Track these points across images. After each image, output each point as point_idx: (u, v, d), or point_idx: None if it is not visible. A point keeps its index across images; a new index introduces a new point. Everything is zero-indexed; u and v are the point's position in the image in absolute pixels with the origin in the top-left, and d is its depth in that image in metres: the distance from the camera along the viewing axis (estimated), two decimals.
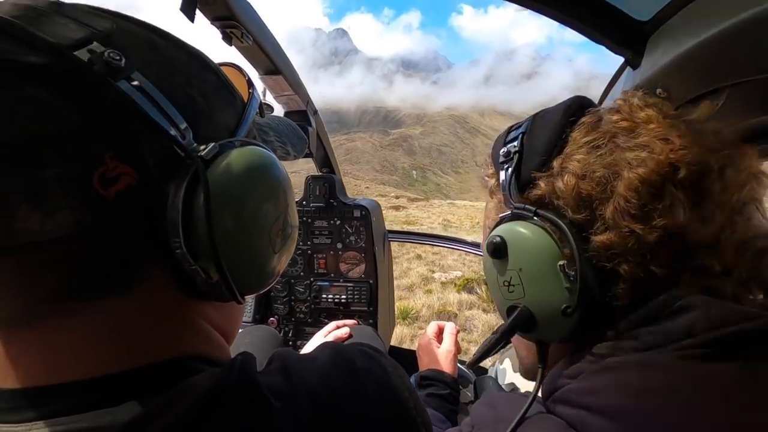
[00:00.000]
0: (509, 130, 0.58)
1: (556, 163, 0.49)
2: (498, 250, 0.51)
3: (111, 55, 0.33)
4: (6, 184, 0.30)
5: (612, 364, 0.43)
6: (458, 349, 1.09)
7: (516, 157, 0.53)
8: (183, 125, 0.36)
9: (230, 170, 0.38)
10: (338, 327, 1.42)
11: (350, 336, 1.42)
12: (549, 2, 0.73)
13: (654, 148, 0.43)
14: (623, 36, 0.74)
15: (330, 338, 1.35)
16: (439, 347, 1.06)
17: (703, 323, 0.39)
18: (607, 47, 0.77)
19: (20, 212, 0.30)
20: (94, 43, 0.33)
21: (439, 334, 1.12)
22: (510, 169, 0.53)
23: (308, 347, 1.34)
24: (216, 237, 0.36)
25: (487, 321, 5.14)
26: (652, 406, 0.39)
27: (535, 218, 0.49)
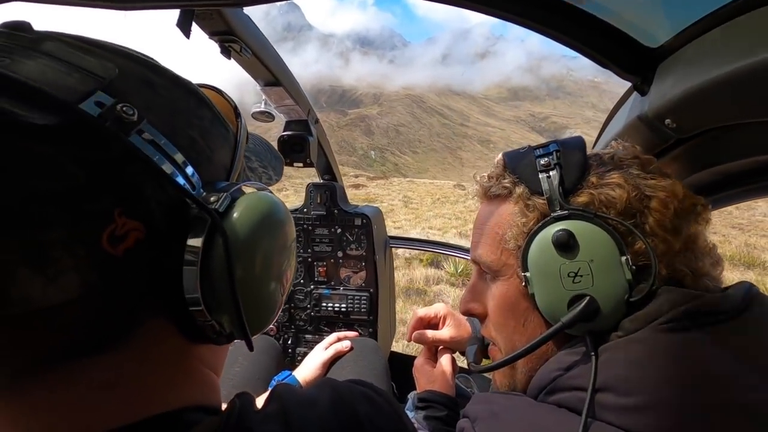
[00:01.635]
0: (534, 148, 0.65)
1: (593, 179, 0.58)
2: (566, 243, 0.55)
3: (124, 109, 0.31)
4: (6, 247, 0.27)
5: (600, 351, 0.52)
6: (455, 369, 1.07)
7: (557, 168, 0.59)
8: (193, 175, 0.35)
9: (243, 222, 0.38)
10: (339, 339, 1.43)
11: (352, 349, 1.43)
12: (554, 25, 0.72)
13: (661, 181, 0.57)
14: (631, 61, 0.72)
15: (331, 351, 1.36)
16: (434, 368, 1.05)
17: (667, 304, 0.51)
18: (614, 72, 0.74)
19: (20, 277, 0.28)
20: (98, 92, 0.31)
21: (434, 355, 1.11)
22: (555, 178, 0.59)
23: (309, 359, 1.34)
24: (239, 289, 0.36)
25: (456, 295, 5.02)
26: (637, 373, 0.49)
27: (595, 219, 0.56)
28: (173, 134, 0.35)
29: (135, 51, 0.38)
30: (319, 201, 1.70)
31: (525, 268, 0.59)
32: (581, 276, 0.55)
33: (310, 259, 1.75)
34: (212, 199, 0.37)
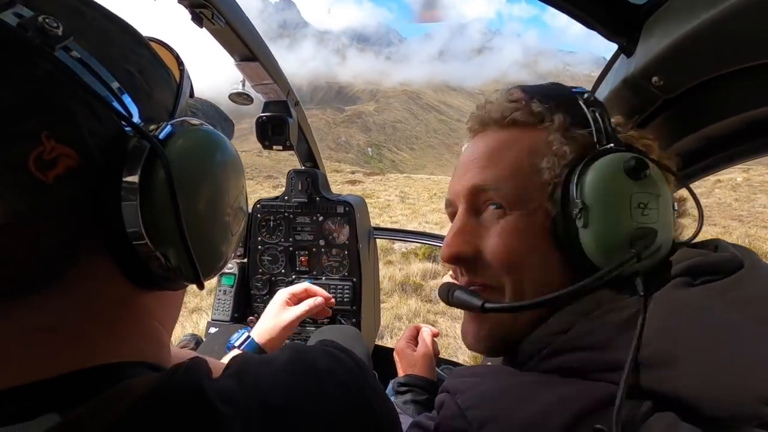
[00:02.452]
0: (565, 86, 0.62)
1: (631, 127, 0.58)
2: (640, 171, 0.50)
3: (46, 21, 0.29)
4: None
5: (608, 309, 0.48)
6: (436, 352, 1.06)
7: (598, 105, 0.57)
8: (131, 103, 0.33)
9: (188, 151, 0.36)
10: (310, 294, 1.19)
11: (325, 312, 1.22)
12: None
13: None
14: (618, 21, 0.71)
15: (304, 306, 1.12)
16: (415, 351, 1.03)
17: (678, 265, 0.49)
18: (601, 34, 0.74)
19: None
20: (18, 5, 0.29)
21: (416, 338, 1.09)
22: (602, 115, 0.56)
23: (268, 317, 1.09)
24: (185, 220, 0.34)
25: None
26: (675, 325, 0.43)
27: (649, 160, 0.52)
28: (106, 61, 0.33)
29: None
30: (300, 188, 1.65)
31: (563, 201, 0.53)
32: (650, 209, 0.50)
33: (291, 248, 1.70)
34: (152, 127, 0.35)
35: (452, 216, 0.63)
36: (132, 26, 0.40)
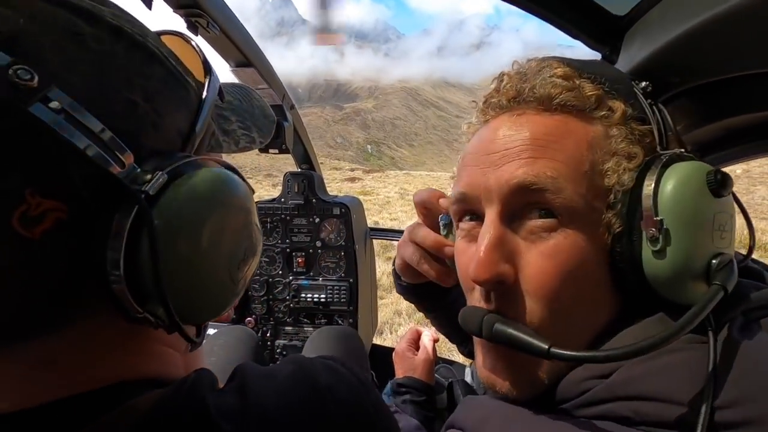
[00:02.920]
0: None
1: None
2: (726, 187, 0.40)
3: (19, 73, 0.26)
4: None
5: (665, 349, 0.37)
6: (435, 357, 1.06)
7: (661, 110, 0.47)
8: (118, 146, 0.30)
9: (179, 206, 0.33)
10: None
11: None
12: None
13: None
14: (600, 31, 0.72)
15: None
16: (415, 355, 1.04)
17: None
18: (585, 43, 0.75)
19: None
20: None
21: (416, 342, 1.09)
22: (661, 110, 0.47)
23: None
24: (166, 280, 0.31)
25: None
26: (727, 381, 0.36)
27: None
28: (102, 99, 0.31)
29: None
30: (296, 190, 1.67)
31: (631, 216, 0.42)
32: (726, 231, 0.42)
33: (288, 250, 1.72)
34: (147, 177, 0.31)
35: (460, 214, 0.50)
36: (144, 35, 0.35)
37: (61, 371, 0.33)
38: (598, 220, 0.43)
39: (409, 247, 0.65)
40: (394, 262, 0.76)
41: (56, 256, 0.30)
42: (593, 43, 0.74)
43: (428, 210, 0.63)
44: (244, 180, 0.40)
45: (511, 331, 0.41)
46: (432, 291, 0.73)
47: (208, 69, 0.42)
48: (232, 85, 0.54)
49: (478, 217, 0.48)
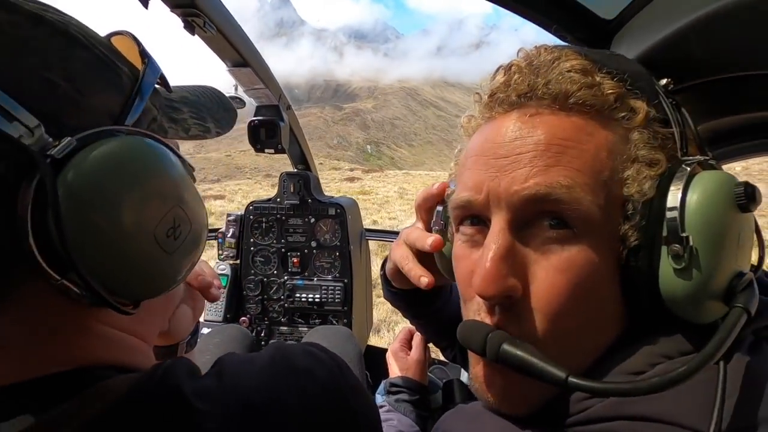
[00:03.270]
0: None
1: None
2: (753, 202, 0.36)
3: None
4: None
5: (659, 371, 0.36)
6: (428, 358, 1.07)
7: (682, 114, 0.43)
8: (28, 119, 0.31)
9: (87, 170, 0.33)
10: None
11: None
12: None
13: None
14: (589, 35, 0.73)
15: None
16: (408, 355, 1.04)
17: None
18: (575, 45, 0.78)
19: None
20: None
21: (409, 341, 1.09)
22: (682, 112, 0.43)
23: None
24: (77, 247, 0.32)
25: None
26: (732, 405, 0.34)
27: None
28: (15, 77, 0.32)
29: None
30: (292, 190, 1.68)
31: (652, 230, 0.38)
32: (748, 249, 0.39)
33: (283, 250, 1.73)
34: (54, 144, 0.32)
35: (461, 219, 0.46)
36: (70, 27, 0.37)
37: (9, 355, 0.33)
38: (614, 233, 0.39)
39: (402, 248, 0.64)
40: (383, 266, 0.75)
41: None
42: (583, 46, 0.76)
43: (428, 213, 0.62)
44: (176, 154, 0.40)
45: (521, 355, 0.37)
46: (420, 298, 0.73)
47: (144, 56, 0.44)
48: (198, 86, 0.57)
49: (482, 221, 0.44)
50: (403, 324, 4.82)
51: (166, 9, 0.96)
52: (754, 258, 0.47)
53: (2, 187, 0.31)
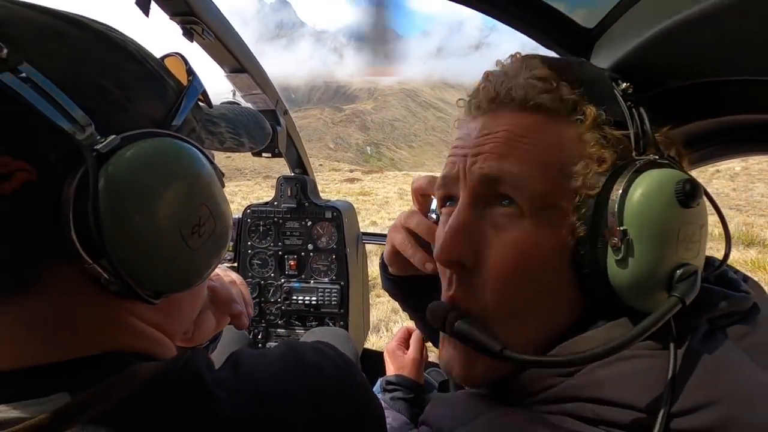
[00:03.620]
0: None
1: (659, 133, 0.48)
2: (695, 198, 0.40)
3: None
4: None
5: (627, 355, 0.40)
6: (425, 357, 1.08)
7: (635, 103, 0.47)
8: (82, 118, 0.34)
9: (127, 164, 0.36)
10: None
11: None
12: (499, 6, 0.74)
13: None
14: (571, 43, 0.76)
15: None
16: (405, 354, 1.05)
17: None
18: (557, 53, 0.79)
19: None
20: None
21: (407, 340, 1.11)
22: (640, 114, 0.46)
23: None
24: (110, 235, 0.35)
25: None
26: (686, 391, 0.37)
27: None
28: (74, 81, 0.36)
29: (62, 12, 0.39)
30: (289, 194, 1.71)
31: (596, 221, 0.42)
32: (693, 242, 0.41)
33: (280, 253, 1.75)
34: (99, 140, 0.35)
35: (443, 199, 0.53)
36: (128, 44, 0.42)
37: (46, 334, 0.36)
38: (561, 219, 0.44)
39: (401, 233, 0.67)
40: (382, 255, 0.77)
41: (28, 215, 0.33)
42: (565, 54, 0.78)
43: (424, 198, 0.67)
44: (210, 161, 0.44)
45: (463, 327, 0.44)
46: (418, 287, 0.75)
47: (190, 72, 0.49)
48: (239, 106, 0.62)
49: (455, 202, 0.50)
50: (402, 324, 4.86)
51: (165, 17, 0.98)
52: (720, 253, 0.50)
53: (52, 175, 0.34)
